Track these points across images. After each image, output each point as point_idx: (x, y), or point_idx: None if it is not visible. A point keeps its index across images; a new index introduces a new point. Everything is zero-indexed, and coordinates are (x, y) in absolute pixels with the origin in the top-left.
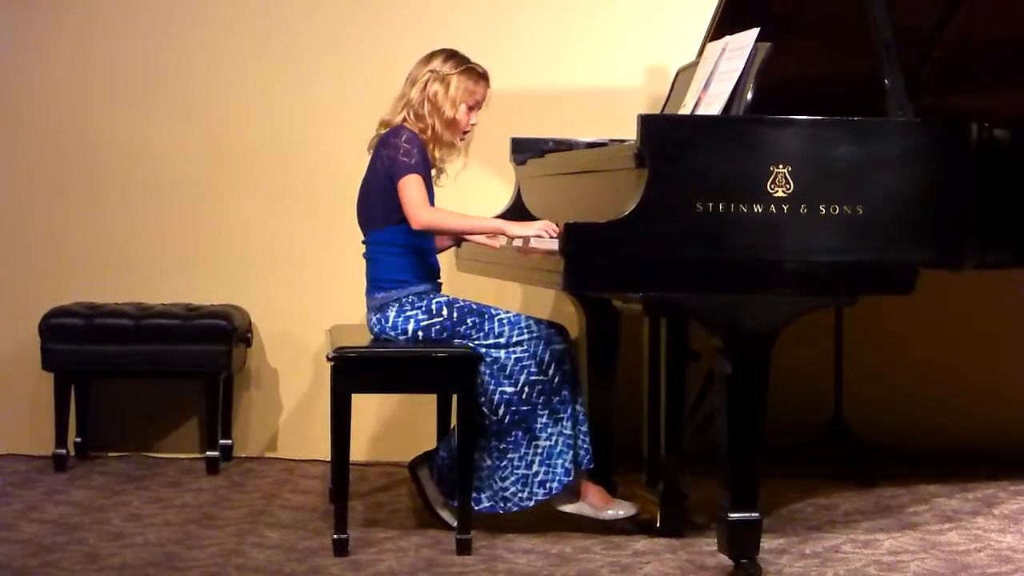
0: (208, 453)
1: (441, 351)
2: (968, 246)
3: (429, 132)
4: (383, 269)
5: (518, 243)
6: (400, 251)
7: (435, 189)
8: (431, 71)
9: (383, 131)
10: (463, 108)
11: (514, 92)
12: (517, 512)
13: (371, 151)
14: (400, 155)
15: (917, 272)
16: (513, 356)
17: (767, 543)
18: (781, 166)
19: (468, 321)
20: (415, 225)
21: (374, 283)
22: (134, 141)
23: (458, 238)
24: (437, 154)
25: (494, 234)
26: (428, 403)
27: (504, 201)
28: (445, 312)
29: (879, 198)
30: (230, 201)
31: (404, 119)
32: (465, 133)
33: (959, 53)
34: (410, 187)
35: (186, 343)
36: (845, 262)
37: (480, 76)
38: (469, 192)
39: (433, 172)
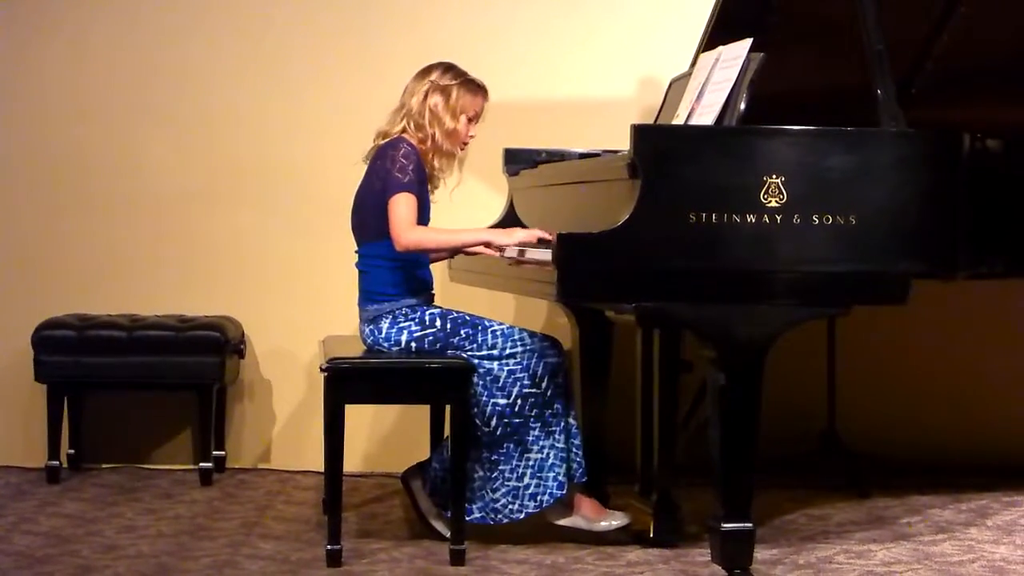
0: (201, 464)
1: (434, 362)
2: (961, 256)
3: (429, 142)
4: (377, 282)
5: (511, 253)
6: (395, 264)
7: (429, 203)
8: (431, 82)
9: (381, 142)
10: (463, 119)
11: (507, 103)
12: (507, 524)
13: (367, 162)
14: (395, 170)
15: (910, 283)
16: (506, 368)
17: (760, 553)
18: (774, 176)
19: (461, 332)
20: (399, 247)
21: (368, 295)
22: (127, 153)
23: (450, 254)
24: (436, 163)
25: (479, 246)
26: (421, 414)
27: (497, 212)
28: (438, 323)
29: (872, 208)
30: (223, 213)
31: (404, 130)
32: (464, 144)
33: (952, 64)
34: (399, 206)
35: (179, 355)
36: (838, 272)
37: (479, 88)
38: (462, 203)
39: (430, 186)
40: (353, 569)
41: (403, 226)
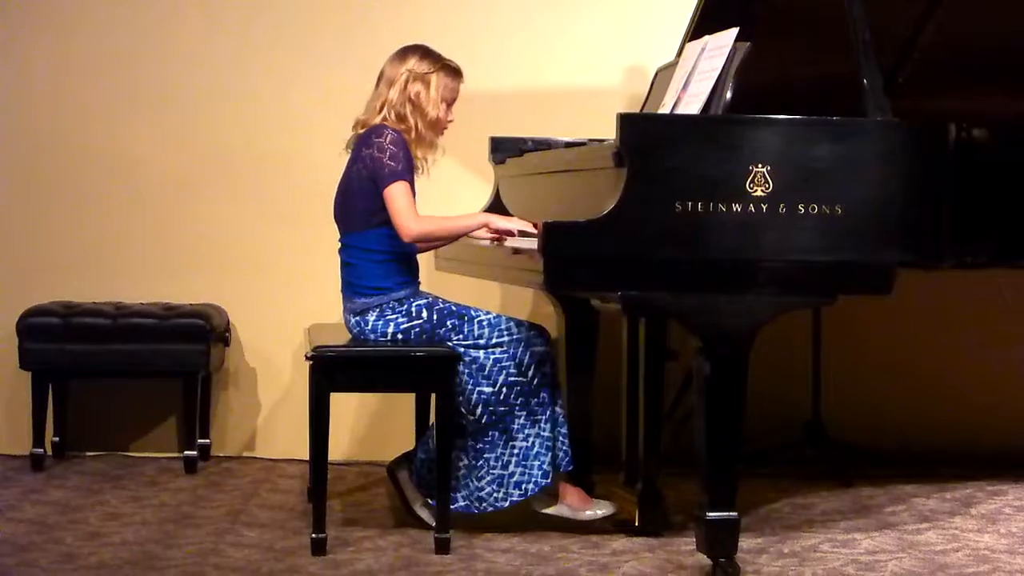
0: (186, 452)
1: (420, 351)
2: (945, 246)
3: (412, 133)
4: (364, 275)
5: (512, 243)
6: (382, 257)
7: (415, 188)
8: (408, 71)
9: (361, 131)
10: (443, 106)
11: (493, 92)
12: (492, 512)
13: (349, 151)
14: (386, 158)
15: (895, 272)
16: (492, 356)
17: (745, 542)
18: (760, 166)
19: (448, 323)
20: (406, 238)
21: (355, 288)
22: (113, 141)
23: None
24: (419, 154)
25: (480, 227)
26: (406, 402)
27: (483, 200)
28: (425, 315)
29: (857, 198)
30: (208, 201)
31: (384, 119)
32: (444, 129)
33: (938, 55)
34: (398, 196)
35: (164, 342)
36: (823, 262)
37: (456, 72)
38: (448, 191)
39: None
40: (338, 557)
41: (408, 216)
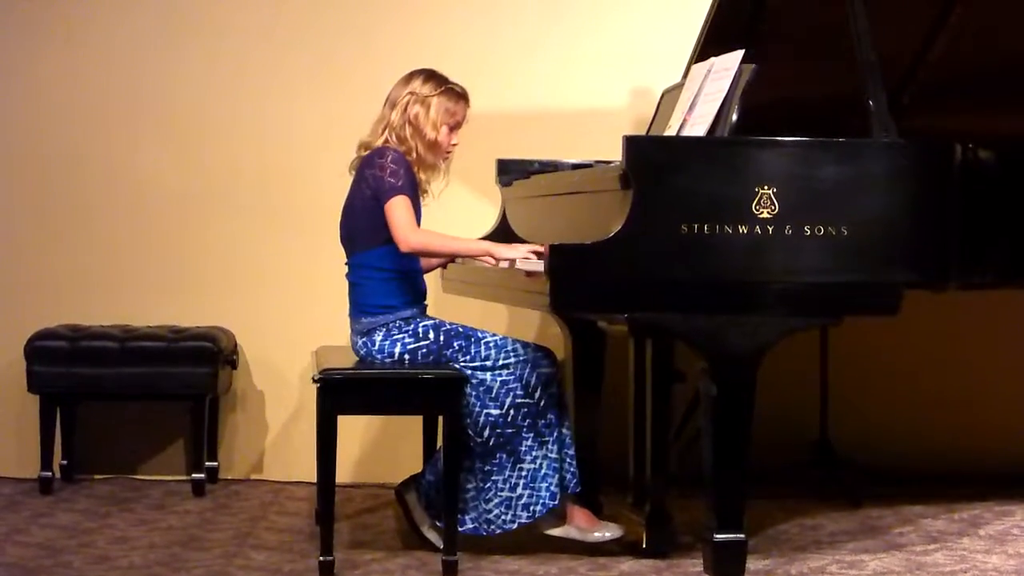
0: (194, 475)
1: (427, 373)
2: (952, 267)
3: (413, 155)
4: (370, 294)
5: (520, 265)
6: (387, 275)
7: (421, 209)
8: (411, 93)
9: (364, 153)
10: (444, 129)
11: (500, 114)
12: (501, 534)
13: (353, 173)
14: (387, 175)
15: (901, 293)
16: (499, 379)
17: (753, 564)
18: (766, 187)
19: (455, 344)
20: (404, 248)
21: (361, 308)
22: (120, 163)
23: (447, 259)
24: (422, 176)
25: (481, 256)
26: (414, 424)
27: (490, 223)
28: (432, 336)
29: (863, 219)
30: (215, 223)
31: (386, 141)
32: (447, 154)
33: (943, 74)
34: (398, 209)
35: (172, 365)
36: (830, 283)
37: (460, 96)
38: (455, 213)
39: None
40: None
41: (407, 228)
